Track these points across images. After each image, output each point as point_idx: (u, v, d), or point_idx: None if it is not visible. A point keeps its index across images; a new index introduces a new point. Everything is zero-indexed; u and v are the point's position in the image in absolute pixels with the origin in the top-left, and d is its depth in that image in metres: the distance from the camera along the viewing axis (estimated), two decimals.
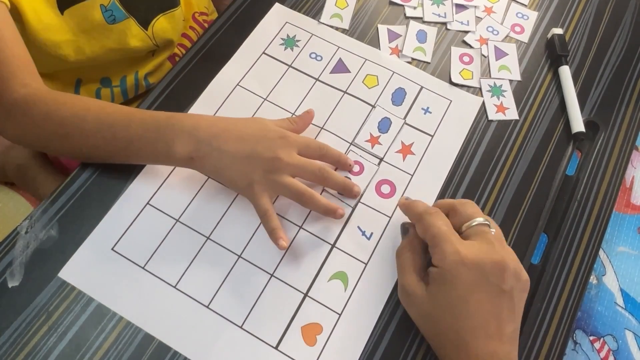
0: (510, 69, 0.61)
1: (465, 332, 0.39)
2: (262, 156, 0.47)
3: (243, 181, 0.47)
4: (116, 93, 0.68)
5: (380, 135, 0.56)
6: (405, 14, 0.64)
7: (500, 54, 0.62)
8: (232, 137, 0.48)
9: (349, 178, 0.53)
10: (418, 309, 0.43)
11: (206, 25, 0.81)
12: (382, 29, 0.63)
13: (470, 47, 0.62)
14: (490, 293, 0.40)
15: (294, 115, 0.56)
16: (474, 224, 0.43)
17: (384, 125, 0.57)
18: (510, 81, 0.60)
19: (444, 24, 0.64)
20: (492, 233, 0.42)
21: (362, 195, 0.52)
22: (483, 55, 0.62)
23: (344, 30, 0.63)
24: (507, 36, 0.64)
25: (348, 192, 0.51)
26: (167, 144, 0.47)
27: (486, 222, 0.43)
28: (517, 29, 0.64)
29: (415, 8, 0.65)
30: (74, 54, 0.61)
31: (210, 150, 0.47)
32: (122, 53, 0.65)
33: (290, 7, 0.64)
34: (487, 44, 0.63)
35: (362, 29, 0.63)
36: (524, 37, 0.64)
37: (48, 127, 0.50)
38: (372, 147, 0.55)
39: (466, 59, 0.61)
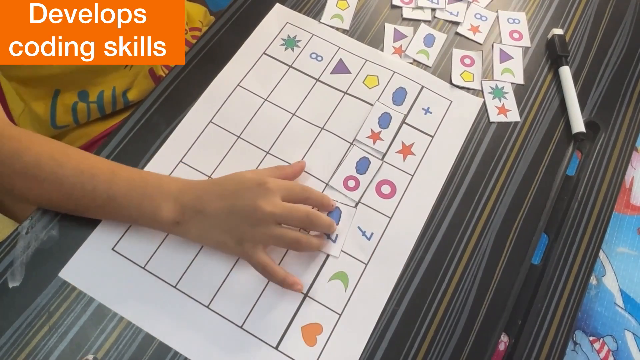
0: (513, 72, 0.61)
1: None
2: (243, 210, 0.45)
3: (231, 240, 0.46)
4: (92, 109, 0.66)
5: (381, 131, 0.56)
6: (402, 15, 0.64)
7: (505, 57, 0.62)
8: (213, 197, 0.46)
9: (357, 178, 0.53)
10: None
11: (194, 42, 0.79)
12: (389, 28, 0.63)
13: (466, 38, 0.63)
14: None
15: (295, 115, 0.56)
16: None
17: (384, 120, 0.57)
18: (512, 83, 0.60)
19: (434, 9, 0.65)
20: None
21: (362, 195, 0.53)
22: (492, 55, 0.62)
23: (344, 31, 0.63)
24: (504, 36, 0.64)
25: (332, 230, 0.50)
26: (154, 206, 0.46)
27: None
28: (516, 35, 0.64)
29: (413, 9, 0.65)
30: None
31: (194, 214, 0.46)
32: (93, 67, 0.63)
33: (291, 8, 0.64)
34: (492, 46, 0.63)
35: (362, 30, 0.63)
36: (525, 42, 0.63)
37: (16, 166, 0.45)
38: (374, 144, 0.55)
39: (467, 61, 0.61)
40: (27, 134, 0.48)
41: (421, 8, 0.65)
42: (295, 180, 0.52)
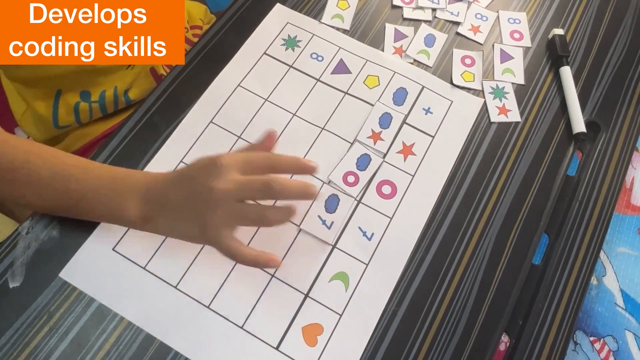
0: (514, 73, 0.61)
1: None
2: (199, 194, 0.42)
3: (196, 229, 0.43)
4: (94, 108, 0.66)
5: (381, 131, 0.56)
6: (403, 15, 0.64)
7: (505, 57, 0.62)
8: (174, 188, 0.44)
9: (357, 174, 0.53)
10: None
11: (196, 40, 0.79)
12: (389, 28, 0.63)
13: (467, 38, 0.63)
14: None
15: (296, 115, 0.56)
16: None
17: (385, 120, 0.57)
18: (513, 84, 0.60)
19: (435, 9, 0.65)
20: None
21: (362, 195, 0.53)
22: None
23: (345, 31, 0.63)
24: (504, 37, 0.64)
25: (309, 194, 0.43)
26: (121, 205, 0.45)
27: None
28: (516, 35, 0.64)
29: (413, 9, 0.65)
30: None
31: (160, 209, 0.44)
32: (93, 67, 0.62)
33: (291, 8, 0.64)
34: (493, 46, 0.63)
35: (363, 30, 0.63)
36: (526, 42, 0.63)
37: None
38: (375, 144, 0.55)
39: (468, 61, 0.61)
40: (3, 137, 0.47)
41: (422, 8, 0.65)
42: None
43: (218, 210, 0.42)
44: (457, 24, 0.64)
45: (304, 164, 0.43)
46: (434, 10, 0.65)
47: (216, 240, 0.42)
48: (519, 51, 0.63)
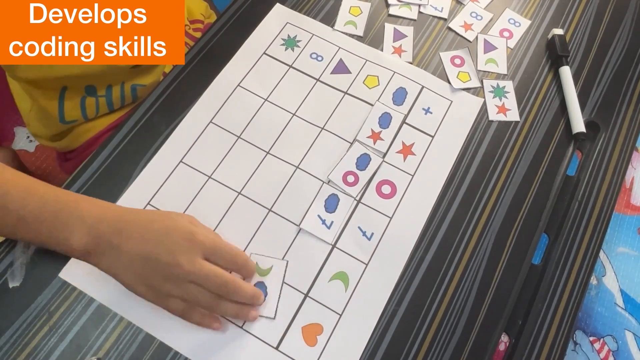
0: (497, 63, 0.61)
1: None
2: (160, 262, 0.42)
3: (141, 287, 0.43)
4: (101, 103, 0.66)
5: (381, 131, 0.56)
6: (389, 13, 0.64)
7: (489, 47, 0.62)
8: (135, 235, 0.43)
9: (357, 174, 0.53)
10: None
11: (199, 34, 0.80)
12: (389, 28, 0.63)
13: (457, 34, 0.63)
14: None
15: (295, 115, 0.56)
16: None
17: (385, 120, 0.57)
18: (513, 83, 0.60)
19: (419, 5, 0.65)
20: None
21: (362, 195, 0.53)
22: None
23: (359, 38, 0.62)
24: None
25: (256, 303, 0.46)
26: (66, 231, 0.43)
27: None
28: (506, 34, 0.64)
29: (399, 7, 0.65)
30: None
31: (108, 248, 0.43)
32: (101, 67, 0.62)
33: (291, 8, 0.64)
34: (477, 37, 0.63)
35: (362, 30, 0.63)
36: (511, 43, 0.63)
37: None
38: (375, 144, 0.55)
39: (457, 61, 0.61)
40: None
41: (408, 4, 0.65)
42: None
43: (171, 283, 0.43)
44: (443, 19, 0.64)
45: (251, 273, 0.47)
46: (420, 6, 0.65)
47: (162, 304, 0.44)
48: (502, 42, 0.63)
